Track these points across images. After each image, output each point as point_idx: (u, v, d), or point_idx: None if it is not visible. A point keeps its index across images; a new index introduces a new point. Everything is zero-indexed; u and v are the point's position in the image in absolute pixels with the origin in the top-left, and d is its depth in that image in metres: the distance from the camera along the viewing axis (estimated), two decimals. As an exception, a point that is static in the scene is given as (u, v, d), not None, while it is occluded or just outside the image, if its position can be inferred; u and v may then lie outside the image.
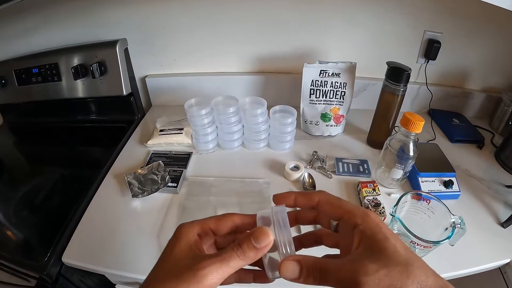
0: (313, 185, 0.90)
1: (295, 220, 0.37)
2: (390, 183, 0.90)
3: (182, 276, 0.28)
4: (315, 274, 0.29)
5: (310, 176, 0.92)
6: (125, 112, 1.19)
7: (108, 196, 0.87)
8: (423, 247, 0.65)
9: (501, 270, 0.78)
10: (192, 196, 0.86)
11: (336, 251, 0.36)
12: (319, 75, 1.05)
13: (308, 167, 0.97)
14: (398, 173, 0.87)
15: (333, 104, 1.09)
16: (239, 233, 0.36)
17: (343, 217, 0.31)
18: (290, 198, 0.34)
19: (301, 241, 0.38)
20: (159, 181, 0.89)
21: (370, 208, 0.81)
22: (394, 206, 0.67)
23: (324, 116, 1.10)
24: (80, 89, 1.12)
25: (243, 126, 1.02)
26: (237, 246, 0.30)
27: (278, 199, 0.35)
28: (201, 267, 0.29)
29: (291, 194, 0.34)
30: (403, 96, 0.96)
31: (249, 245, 0.30)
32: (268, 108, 0.99)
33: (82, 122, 1.20)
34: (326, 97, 1.07)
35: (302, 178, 0.91)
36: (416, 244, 0.65)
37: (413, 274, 0.26)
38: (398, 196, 0.82)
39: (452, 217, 0.67)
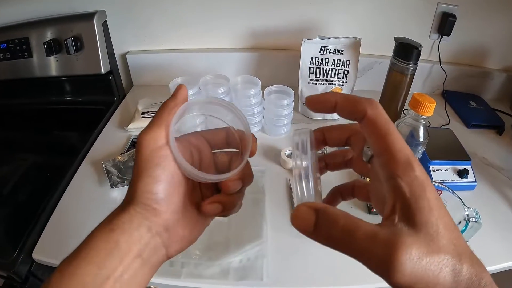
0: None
1: (322, 141, 0.34)
2: None
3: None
4: (337, 236, 0.25)
5: (308, 164, 0.91)
6: (103, 93, 1.19)
7: (84, 186, 0.87)
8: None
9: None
10: None
11: None
12: (320, 52, 1.05)
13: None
14: None
15: (335, 84, 1.09)
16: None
17: (382, 155, 0.26)
18: (330, 101, 0.29)
19: (325, 161, 0.36)
20: None
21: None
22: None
23: None
24: (53, 67, 1.11)
25: None
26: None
27: (312, 101, 0.30)
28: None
29: (332, 95, 0.29)
30: (412, 75, 0.97)
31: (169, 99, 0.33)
32: (262, 88, 1.00)
33: (55, 103, 1.19)
34: (327, 77, 1.08)
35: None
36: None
37: (460, 270, 0.24)
38: None
39: (466, 209, 0.67)
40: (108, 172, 0.87)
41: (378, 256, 0.23)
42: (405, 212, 0.25)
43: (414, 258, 0.23)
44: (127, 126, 1.05)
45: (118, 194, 0.85)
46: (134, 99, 1.21)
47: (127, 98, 1.25)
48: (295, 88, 1.05)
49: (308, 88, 1.10)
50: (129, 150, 0.96)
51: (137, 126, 1.05)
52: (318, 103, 0.30)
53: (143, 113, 1.08)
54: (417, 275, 0.23)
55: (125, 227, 0.30)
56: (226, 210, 0.35)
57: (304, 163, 0.29)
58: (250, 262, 0.69)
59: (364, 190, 0.34)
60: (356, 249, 0.24)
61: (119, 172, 0.88)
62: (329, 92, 0.30)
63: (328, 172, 0.36)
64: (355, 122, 0.29)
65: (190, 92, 0.96)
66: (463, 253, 0.24)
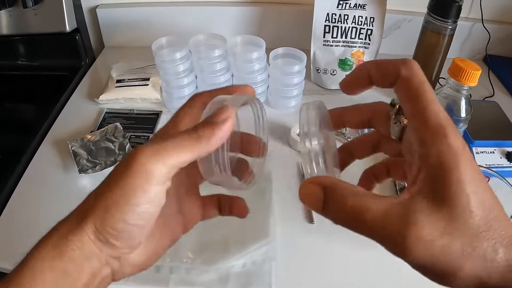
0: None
1: (340, 123, 0.36)
2: None
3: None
4: (345, 217, 0.27)
5: (325, 144, 0.91)
6: (68, 56, 1.18)
7: (45, 172, 0.87)
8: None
9: None
10: None
11: None
12: (337, 7, 1.05)
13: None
14: None
15: (355, 46, 1.09)
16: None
17: (413, 120, 0.28)
18: (362, 74, 0.32)
19: (351, 151, 0.38)
20: (117, 151, 0.89)
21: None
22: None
23: (344, 63, 1.10)
24: (4, 23, 1.09)
25: (232, 75, 1.02)
26: (190, 128, 0.32)
27: (346, 84, 0.33)
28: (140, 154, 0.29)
29: (363, 67, 0.32)
30: (451, 36, 0.96)
31: (203, 123, 0.31)
32: (267, 51, 0.99)
33: (8, 69, 1.18)
34: (346, 37, 1.08)
35: (313, 147, 0.91)
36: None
37: (494, 258, 0.24)
38: None
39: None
40: (75, 154, 0.87)
41: (391, 236, 0.25)
42: (428, 184, 0.26)
43: (426, 238, 0.24)
44: (98, 98, 1.04)
45: (88, 182, 0.85)
46: (106, 64, 1.20)
47: (97, 62, 1.24)
48: (306, 51, 1.03)
49: (323, 51, 1.10)
50: (101, 127, 0.95)
51: (111, 97, 1.04)
52: (352, 84, 0.32)
53: (118, 81, 1.06)
54: (433, 257, 0.24)
55: (75, 255, 0.30)
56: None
57: (314, 143, 0.31)
58: (255, 267, 0.69)
59: (401, 167, 0.36)
60: (367, 231, 0.26)
61: (89, 155, 0.88)
62: (358, 65, 0.32)
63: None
64: (377, 101, 0.32)
65: (178, 55, 0.95)
66: (502, 238, 0.25)
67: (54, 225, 0.32)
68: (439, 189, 0.26)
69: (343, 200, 0.27)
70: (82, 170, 0.84)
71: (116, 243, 0.30)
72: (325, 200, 0.28)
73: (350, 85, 0.33)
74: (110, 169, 0.81)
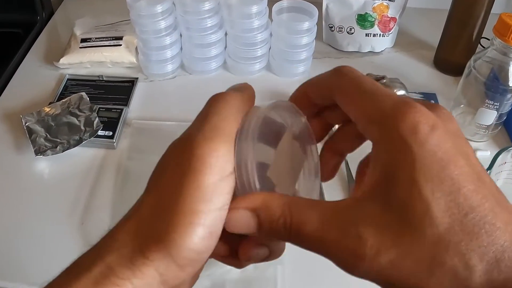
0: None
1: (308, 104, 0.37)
2: (475, 133, 0.90)
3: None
4: (286, 233, 0.29)
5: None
6: (19, 9, 1.16)
7: None
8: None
9: None
10: (139, 154, 0.86)
11: None
12: None
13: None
14: (489, 116, 0.86)
15: None
16: None
17: (359, 124, 0.30)
18: (303, 95, 0.35)
19: (337, 147, 0.38)
20: (82, 128, 0.88)
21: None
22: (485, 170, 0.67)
23: (363, 19, 1.08)
24: None
25: (226, 34, 1.02)
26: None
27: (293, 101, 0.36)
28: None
29: (302, 87, 0.35)
30: None
31: None
32: (270, 4, 0.98)
33: None
34: None
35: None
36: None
37: (446, 266, 0.24)
38: (489, 154, 0.85)
39: None
40: (30, 132, 0.87)
41: (330, 250, 0.27)
42: (378, 186, 0.27)
43: (370, 252, 0.25)
44: (58, 61, 1.03)
45: (47, 166, 0.84)
46: (67, 19, 1.19)
47: (56, 17, 1.22)
48: (318, 4, 1.01)
49: (338, 4, 1.08)
50: (62, 98, 0.94)
51: (74, 60, 1.03)
52: (296, 98, 0.35)
53: (83, 40, 1.04)
54: (382, 274, 0.25)
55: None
56: (274, 255, 0.36)
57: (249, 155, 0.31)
58: (258, 272, 0.68)
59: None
60: (308, 247, 0.28)
61: (48, 132, 0.87)
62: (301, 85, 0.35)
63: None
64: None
65: (159, 8, 0.93)
66: (489, 249, 0.24)
67: (81, 254, 0.30)
68: (389, 191, 0.26)
69: (275, 217, 0.29)
70: (39, 151, 0.83)
71: (187, 266, 0.29)
72: (259, 223, 0.29)
73: (297, 98, 0.35)
74: (73, 150, 0.86)
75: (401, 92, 0.30)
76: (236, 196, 0.31)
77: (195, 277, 0.34)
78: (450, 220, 0.24)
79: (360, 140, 0.35)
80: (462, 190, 0.24)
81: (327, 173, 0.37)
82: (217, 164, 0.30)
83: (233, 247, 0.35)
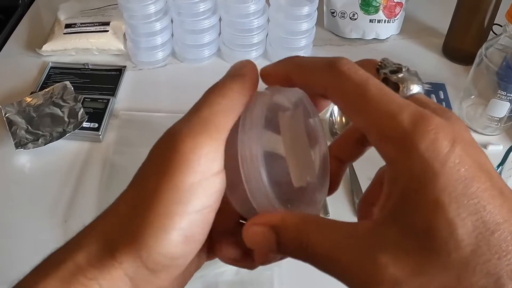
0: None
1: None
2: (487, 125, 0.91)
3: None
4: (303, 255, 0.29)
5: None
6: None
7: None
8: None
9: None
10: (126, 147, 0.88)
11: None
12: None
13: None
14: (501, 108, 0.87)
15: None
16: None
17: (369, 136, 0.29)
18: (279, 73, 0.34)
19: (337, 156, 0.39)
20: (66, 119, 0.90)
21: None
22: (497, 166, 0.69)
23: (367, 4, 1.09)
24: None
25: (220, 19, 1.03)
26: None
27: (263, 75, 0.34)
28: None
29: (285, 63, 0.33)
30: None
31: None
32: None
33: None
34: None
35: (328, 115, 0.92)
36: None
37: None
38: (501, 148, 0.87)
39: None
40: (10, 123, 0.88)
41: (348, 276, 0.27)
42: (398, 209, 0.26)
43: (390, 280, 0.25)
44: (41, 48, 1.04)
45: (28, 160, 0.86)
46: (50, 3, 1.20)
47: (38, 1, 1.24)
48: None
49: None
50: (45, 87, 0.95)
51: (58, 47, 1.04)
52: (268, 76, 0.34)
53: (67, 26, 1.05)
54: None
55: None
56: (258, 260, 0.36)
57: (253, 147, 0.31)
58: (253, 273, 0.67)
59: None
60: (322, 268, 0.28)
61: (29, 124, 0.88)
62: (286, 58, 0.34)
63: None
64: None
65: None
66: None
67: (51, 252, 0.30)
68: (410, 215, 0.25)
69: (293, 237, 0.29)
70: (20, 144, 0.84)
71: (162, 274, 0.30)
72: (278, 241, 0.30)
73: (266, 77, 0.34)
74: (56, 143, 0.87)
75: (416, 89, 0.28)
76: (236, 192, 0.32)
77: (181, 283, 0.35)
78: (477, 240, 0.24)
79: (362, 147, 0.36)
80: (487, 207, 0.24)
81: (331, 185, 0.36)
82: (200, 162, 0.29)
83: (245, 250, 0.35)
